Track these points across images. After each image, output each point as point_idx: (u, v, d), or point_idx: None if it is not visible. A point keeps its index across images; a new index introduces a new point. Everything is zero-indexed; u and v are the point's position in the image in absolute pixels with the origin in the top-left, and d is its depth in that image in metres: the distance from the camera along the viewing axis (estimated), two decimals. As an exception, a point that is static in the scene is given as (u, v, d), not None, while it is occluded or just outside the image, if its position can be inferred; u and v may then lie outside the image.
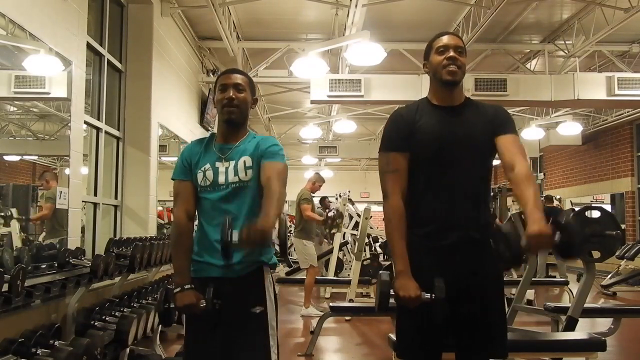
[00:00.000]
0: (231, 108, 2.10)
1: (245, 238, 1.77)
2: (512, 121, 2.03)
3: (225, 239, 1.82)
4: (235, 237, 1.81)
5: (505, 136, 1.96)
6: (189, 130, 7.57)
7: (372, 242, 9.69)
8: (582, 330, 3.92)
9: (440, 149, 1.94)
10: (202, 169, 2.11)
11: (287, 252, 1.77)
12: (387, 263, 7.28)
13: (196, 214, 2.18)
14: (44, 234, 4.35)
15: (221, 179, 2.08)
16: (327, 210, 6.94)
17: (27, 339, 2.55)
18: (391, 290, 1.90)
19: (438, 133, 1.95)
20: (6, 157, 4.55)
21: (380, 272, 1.98)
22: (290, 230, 11.57)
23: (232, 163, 2.10)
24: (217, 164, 2.10)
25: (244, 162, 2.10)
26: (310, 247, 6.51)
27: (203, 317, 2.03)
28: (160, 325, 3.94)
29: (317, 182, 6.72)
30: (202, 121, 8.32)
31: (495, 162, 2.11)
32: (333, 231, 6.92)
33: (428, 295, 1.83)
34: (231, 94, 2.10)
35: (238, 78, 2.14)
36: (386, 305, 1.92)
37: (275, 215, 1.88)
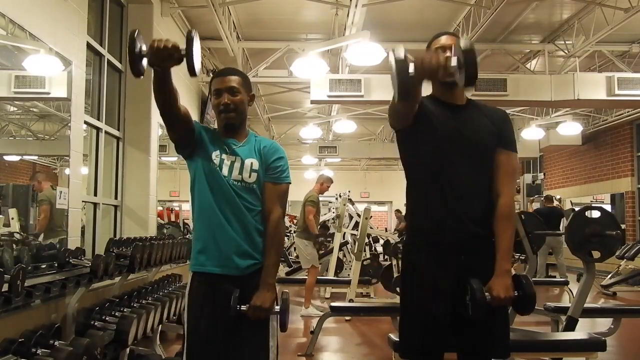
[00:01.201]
0: (228, 114, 2.10)
1: (251, 315, 2.00)
2: (513, 134, 2.05)
3: (234, 314, 1.99)
4: (244, 307, 2.01)
5: (503, 153, 1.98)
6: (189, 130, 7.56)
7: (372, 242, 9.69)
8: (582, 330, 3.92)
9: (444, 147, 1.93)
10: (213, 152, 2.09)
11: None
12: (387, 263, 7.28)
13: (194, 215, 2.17)
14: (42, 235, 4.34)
15: (224, 170, 2.08)
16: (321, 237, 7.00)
17: (27, 339, 2.54)
18: (411, 68, 1.61)
19: (442, 129, 1.94)
20: (6, 157, 4.55)
21: (394, 49, 1.65)
22: (291, 230, 11.60)
23: (238, 159, 2.10)
24: (223, 155, 2.10)
25: (251, 163, 2.10)
26: (312, 247, 6.52)
27: (201, 315, 2.04)
28: (160, 325, 3.94)
29: (325, 182, 6.79)
30: (202, 121, 8.32)
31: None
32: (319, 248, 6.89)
33: (455, 61, 1.63)
34: (226, 100, 2.08)
35: (231, 80, 2.11)
36: (408, 88, 1.67)
37: (276, 270, 2.14)
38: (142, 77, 1.82)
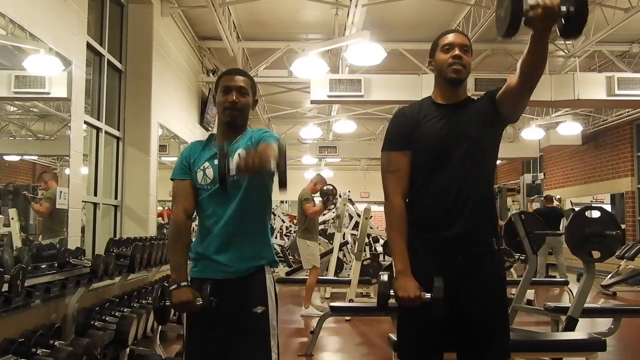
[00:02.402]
0: (234, 112, 2.10)
1: (243, 165, 1.74)
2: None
3: (222, 170, 1.80)
4: (232, 165, 1.78)
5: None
6: (189, 130, 7.57)
7: (372, 242, 9.70)
8: (582, 330, 3.93)
9: (442, 150, 1.93)
10: (202, 167, 2.11)
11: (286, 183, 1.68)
12: (387, 263, 7.28)
13: (196, 214, 2.18)
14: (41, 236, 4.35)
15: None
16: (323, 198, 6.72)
17: (27, 339, 2.55)
18: (391, 291, 1.89)
19: (440, 133, 1.94)
20: (6, 157, 4.55)
21: (380, 272, 1.98)
22: (290, 230, 11.60)
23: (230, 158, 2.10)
24: (216, 161, 2.09)
25: (239, 154, 2.08)
26: (314, 247, 6.50)
27: (200, 315, 2.04)
28: (160, 325, 3.94)
29: (319, 183, 6.72)
30: (202, 121, 8.33)
31: (497, 162, 2.11)
32: (331, 207, 6.59)
33: (428, 295, 1.83)
34: (234, 98, 2.09)
35: (241, 80, 2.13)
36: (385, 305, 1.91)
37: (275, 144, 1.85)
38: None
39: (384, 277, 1.92)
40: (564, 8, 1.57)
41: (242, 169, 1.74)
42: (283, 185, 1.76)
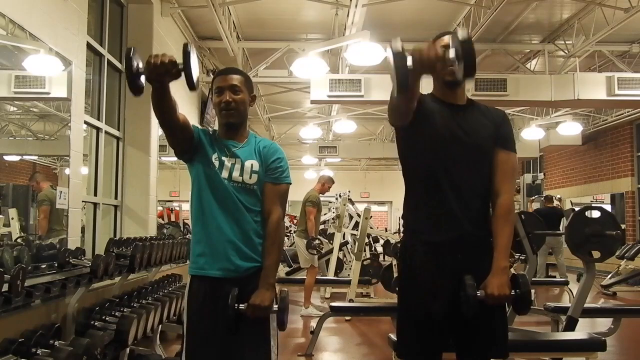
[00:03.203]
0: (229, 111, 2.10)
1: (250, 314, 1.99)
2: (512, 134, 2.05)
3: (232, 312, 1.98)
4: (242, 306, 1.99)
5: (503, 153, 1.97)
6: (189, 130, 7.55)
7: (372, 242, 9.70)
8: (582, 330, 3.93)
9: (442, 146, 1.93)
10: (212, 155, 2.10)
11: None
12: (387, 263, 7.28)
13: (193, 216, 2.16)
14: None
15: (224, 173, 2.08)
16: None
17: (27, 339, 2.54)
18: (409, 63, 1.60)
19: (441, 128, 1.94)
20: (6, 157, 4.55)
21: (392, 43, 1.62)
22: (290, 230, 11.60)
23: (238, 161, 2.10)
24: (223, 157, 2.11)
25: (252, 165, 2.10)
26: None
27: (200, 315, 2.04)
28: (160, 325, 3.94)
29: (327, 183, 6.82)
30: (202, 121, 8.32)
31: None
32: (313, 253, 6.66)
33: (452, 55, 1.62)
34: (227, 97, 2.09)
35: (234, 79, 2.12)
36: (407, 81, 1.62)
37: (275, 269, 2.12)
38: (141, 94, 1.81)
39: (397, 46, 1.59)
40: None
41: (250, 317, 1.99)
42: (282, 327, 2.08)
